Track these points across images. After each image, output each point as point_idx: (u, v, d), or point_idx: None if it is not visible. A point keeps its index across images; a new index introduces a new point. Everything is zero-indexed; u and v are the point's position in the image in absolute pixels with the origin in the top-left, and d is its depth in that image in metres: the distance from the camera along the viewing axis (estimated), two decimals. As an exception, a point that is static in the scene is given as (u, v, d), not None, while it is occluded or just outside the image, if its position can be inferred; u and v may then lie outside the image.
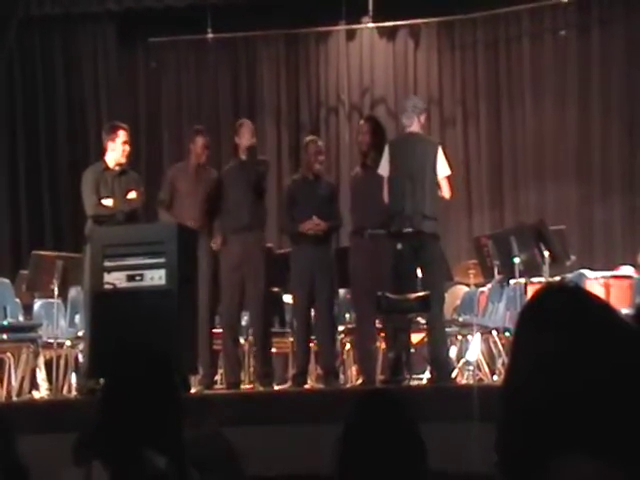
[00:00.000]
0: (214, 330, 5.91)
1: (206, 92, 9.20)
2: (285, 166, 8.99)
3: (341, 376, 6.09)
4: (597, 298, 1.03)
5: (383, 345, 5.97)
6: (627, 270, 6.56)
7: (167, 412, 1.85)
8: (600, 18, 8.44)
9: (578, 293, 1.01)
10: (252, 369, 6.41)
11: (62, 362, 6.23)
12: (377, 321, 5.83)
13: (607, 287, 6.05)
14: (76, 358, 6.23)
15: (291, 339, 6.41)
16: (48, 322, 6.27)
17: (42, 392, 6.09)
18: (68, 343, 6.27)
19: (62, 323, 6.44)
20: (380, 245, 5.47)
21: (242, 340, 6.24)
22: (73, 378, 6.16)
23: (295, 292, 5.87)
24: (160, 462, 1.78)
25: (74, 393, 5.86)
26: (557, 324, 0.96)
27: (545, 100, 8.60)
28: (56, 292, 6.01)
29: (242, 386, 5.91)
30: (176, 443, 1.84)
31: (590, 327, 0.96)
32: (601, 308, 0.99)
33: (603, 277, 6.22)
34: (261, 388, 5.73)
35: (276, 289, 6.38)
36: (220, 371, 6.12)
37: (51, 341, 6.13)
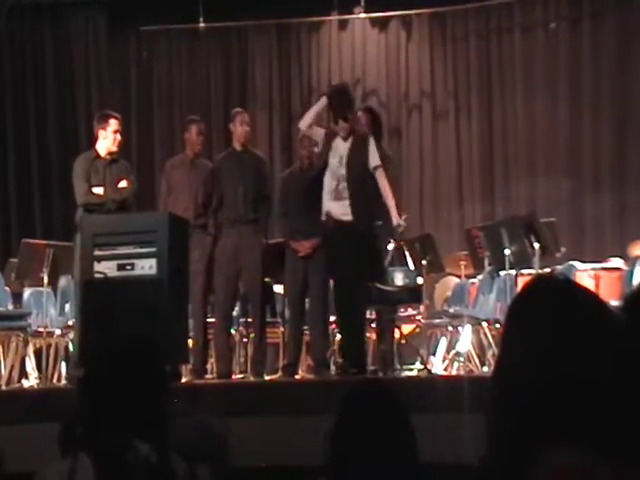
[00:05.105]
0: (208, 320, 5.92)
1: (198, 81, 9.16)
2: (276, 155, 8.97)
3: (332, 367, 6.10)
4: (586, 290, 1.04)
5: (374, 336, 5.99)
6: (617, 262, 6.59)
7: (152, 400, 1.85)
8: (591, 11, 8.44)
9: (567, 285, 1.02)
10: (242, 359, 6.42)
11: (52, 351, 6.22)
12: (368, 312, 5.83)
13: (597, 279, 6.07)
14: (66, 347, 6.22)
15: (282, 329, 6.41)
16: (38, 311, 6.25)
17: (31, 381, 6.08)
18: (58, 332, 6.26)
19: (52, 312, 6.42)
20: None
21: (232, 331, 6.25)
22: (63, 367, 6.15)
23: (288, 283, 5.86)
24: (145, 451, 1.78)
25: (64, 382, 5.85)
26: (546, 316, 0.97)
27: (536, 92, 8.61)
28: (46, 280, 5.99)
29: (233, 376, 5.92)
30: (161, 432, 1.84)
31: (579, 319, 0.96)
32: (590, 300, 0.99)
33: (593, 269, 6.25)
34: (252, 378, 5.74)
35: (267, 279, 6.37)
36: (211, 360, 6.13)
37: (41, 330, 6.12)
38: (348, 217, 5.28)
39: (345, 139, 5.41)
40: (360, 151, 5.36)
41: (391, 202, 5.31)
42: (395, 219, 5.31)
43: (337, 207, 5.33)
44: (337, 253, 5.28)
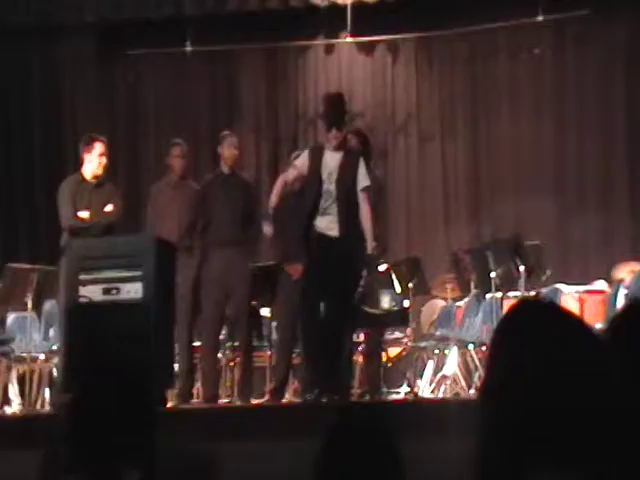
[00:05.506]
0: (193, 344, 5.89)
1: (185, 105, 9.18)
2: (264, 177, 8.99)
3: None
4: (571, 314, 1.05)
5: (361, 359, 5.97)
6: (601, 285, 6.63)
7: (140, 426, 1.84)
8: (575, 37, 8.56)
9: (552, 309, 1.03)
10: (229, 383, 6.38)
11: (35, 376, 6.16)
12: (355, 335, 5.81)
13: (581, 301, 6.11)
14: (50, 372, 6.16)
15: (268, 353, 6.39)
16: (21, 336, 6.20)
17: (14, 407, 6.01)
18: (42, 357, 6.20)
19: (36, 337, 6.37)
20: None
21: (219, 354, 6.22)
22: (47, 393, 6.09)
23: (282, 305, 5.79)
24: (134, 477, 1.76)
25: (47, 408, 5.79)
26: (531, 340, 0.98)
27: (521, 115, 8.69)
28: (30, 305, 5.94)
29: (219, 400, 5.89)
30: (149, 458, 1.82)
31: (563, 343, 0.97)
32: (574, 324, 1.00)
33: (577, 292, 6.28)
34: (238, 402, 5.71)
35: (254, 302, 6.36)
36: (197, 385, 6.09)
37: (24, 355, 6.06)
38: (333, 232, 5.11)
39: (335, 150, 5.20)
40: (351, 168, 5.18)
41: (368, 226, 5.12)
42: (370, 247, 5.13)
43: (322, 221, 5.15)
44: (320, 270, 5.09)
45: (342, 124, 5.28)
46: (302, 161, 5.30)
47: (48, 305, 6.33)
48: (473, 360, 6.09)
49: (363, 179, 5.20)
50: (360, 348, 5.99)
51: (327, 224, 5.15)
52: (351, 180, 5.18)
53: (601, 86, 8.42)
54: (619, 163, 8.35)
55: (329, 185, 5.17)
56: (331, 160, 5.20)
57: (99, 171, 5.56)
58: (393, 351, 6.60)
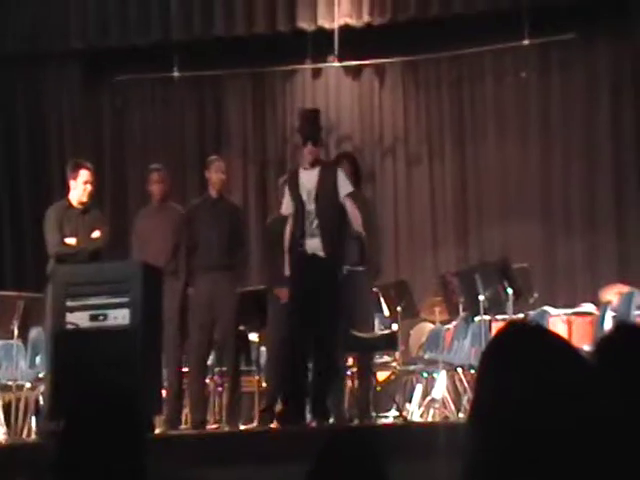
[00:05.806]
0: (182, 369, 5.85)
1: (172, 131, 9.20)
2: (251, 202, 9.00)
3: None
4: (558, 336, 1.05)
5: (350, 383, 5.95)
6: (588, 307, 6.65)
7: (128, 453, 1.82)
8: (560, 61, 8.66)
9: (539, 332, 1.03)
10: (217, 408, 6.34)
11: (22, 405, 6.09)
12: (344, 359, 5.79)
13: (569, 324, 6.13)
14: (36, 400, 6.10)
15: (257, 377, 6.35)
16: (7, 363, 6.14)
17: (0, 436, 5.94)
18: (28, 385, 6.14)
19: (22, 364, 6.31)
20: (356, 281, 5.35)
21: (207, 379, 6.18)
22: (33, 421, 6.02)
23: (271, 332, 5.74)
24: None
25: (34, 437, 5.73)
26: (519, 362, 0.98)
27: (508, 138, 8.76)
28: (16, 333, 5.90)
29: (207, 426, 5.84)
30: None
31: (550, 365, 0.97)
32: (562, 346, 1.00)
33: (565, 314, 6.30)
34: (227, 428, 5.67)
35: (242, 327, 6.33)
36: (185, 411, 6.05)
37: (10, 383, 6.00)
38: (320, 252, 5.03)
39: (311, 166, 5.10)
40: (329, 181, 5.07)
41: (358, 227, 5.02)
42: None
43: (310, 243, 5.09)
44: (305, 292, 5.01)
45: (317, 139, 5.22)
46: (286, 201, 5.23)
47: (34, 332, 6.28)
48: (462, 383, 6.08)
49: (344, 186, 5.10)
50: (349, 372, 5.96)
51: (316, 245, 5.09)
52: (331, 192, 5.08)
53: (586, 109, 8.51)
54: (604, 186, 8.42)
55: (309, 205, 5.11)
56: (308, 180, 5.13)
57: (84, 198, 5.55)
58: (382, 375, 6.58)
